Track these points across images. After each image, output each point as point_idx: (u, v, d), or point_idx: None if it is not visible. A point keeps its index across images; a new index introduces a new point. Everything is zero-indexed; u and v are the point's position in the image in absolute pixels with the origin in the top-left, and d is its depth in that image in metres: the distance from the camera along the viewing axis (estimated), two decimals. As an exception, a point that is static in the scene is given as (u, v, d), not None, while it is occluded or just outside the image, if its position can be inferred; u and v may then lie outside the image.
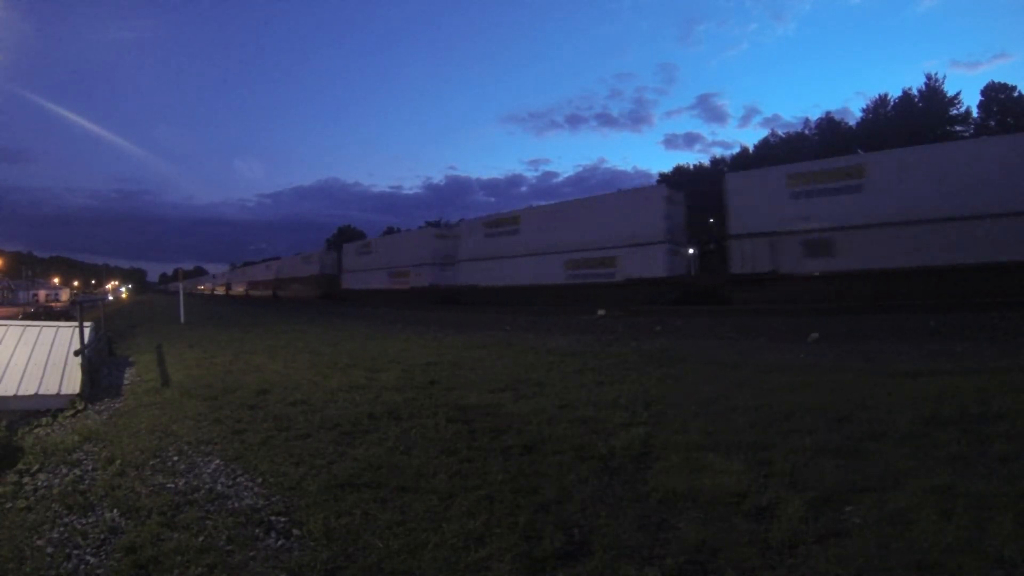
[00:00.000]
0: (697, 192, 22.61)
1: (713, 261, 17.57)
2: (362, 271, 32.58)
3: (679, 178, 46.33)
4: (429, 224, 47.66)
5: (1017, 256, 11.49)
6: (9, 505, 3.33)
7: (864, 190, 13.59)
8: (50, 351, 6.77)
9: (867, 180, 13.60)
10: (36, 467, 3.98)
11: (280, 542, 2.73)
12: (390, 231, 65.89)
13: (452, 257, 25.56)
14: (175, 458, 4.09)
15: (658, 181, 48.82)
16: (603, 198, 20.65)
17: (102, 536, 2.87)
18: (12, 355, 6.45)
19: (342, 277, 35.25)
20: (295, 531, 2.83)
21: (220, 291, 71.32)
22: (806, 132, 47.23)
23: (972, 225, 12.03)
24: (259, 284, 52.15)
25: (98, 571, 2.55)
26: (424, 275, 26.64)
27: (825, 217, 13.97)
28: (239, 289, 62.68)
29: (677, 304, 15.93)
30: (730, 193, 16.11)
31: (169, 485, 3.54)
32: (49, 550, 2.74)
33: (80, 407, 5.78)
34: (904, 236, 12.89)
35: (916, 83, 42.31)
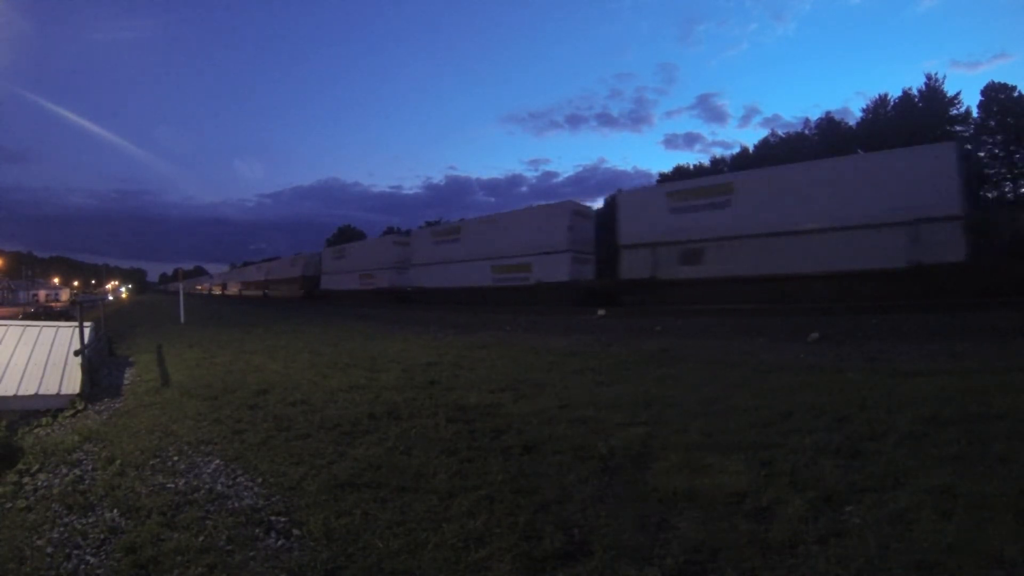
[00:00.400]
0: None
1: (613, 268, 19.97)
2: (338, 273, 35.51)
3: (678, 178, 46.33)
4: (389, 232, 52.43)
5: (848, 266, 13.28)
6: (9, 505, 3.33)
7: (731, 206, 15.45)
8: (50, 351, 6.77)
9: (734, 197, 15.47)
10: (36, 467, 3.98)
11: (280, 542, 2.73)
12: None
13: (407, 262, 28.29)
14: (175, 458, 4.09)
15: (658, 180, 48.94)
16: (522, 212, 23.41)
17: (102, 536, 2.87)
18: (12, 355, 6.45)
19: (321, 279, 37.90)
20: (295, 531, 2.83)
21: (216, 291, 74.79)
22: (806, 132, 47.22)
23: (808, 238, 13.96)
24: (251, 284, 55.46)
25: (98, 571, 2.55)
26: (385, 278, 29.72)
27: (697, 230, 15.91)
28: (233, 289, 65.90)
29: (579, 305, 17.77)
30: (620, 208, 18.37)
31: (169, 485, 3.54)
32: (49, 550, 2.74)
33: (80, 407, 5.78)
34: (761, 247, 14.71)
35: (916, 83, 42.40)
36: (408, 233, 33.20)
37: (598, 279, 20.64)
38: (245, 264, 79.24)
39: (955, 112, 40.45)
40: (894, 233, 12.66)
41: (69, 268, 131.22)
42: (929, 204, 12.28)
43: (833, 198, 13.57)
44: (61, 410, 5.68)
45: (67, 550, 2.74)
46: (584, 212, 21.47)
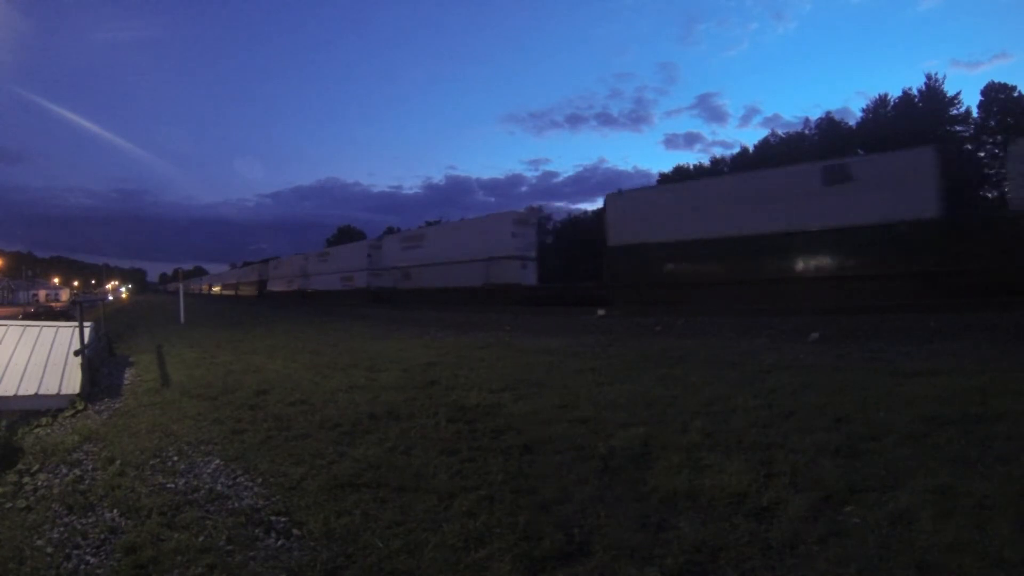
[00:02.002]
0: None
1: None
2: (322, 274, 38.49)
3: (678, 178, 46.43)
4: (388, 232, 57.09)
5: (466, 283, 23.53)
6: (9, 505, 3.33)
7: (423, 247, 27.69)
8: (50, 351, 6.77)
9: (425, 241, 28.08)
10: (36, 467, 3.98)
11: (280, 542, 2.73)
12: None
13: (380, 264, 31.70)
14: (175, 458, 4.09)
15: (659, 180, 49.04)
16: (475, 220, 27.20)
17: (102, 536, 2.87)
18: (12, 355, 6.45)
19: (309, 280, 40.87)
20: (295, 531, 2.83)
21: (215, 290, 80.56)
22: (806, 132, 47.21)
23: (462, 266, 24.12)
24: (248, 284, 60.96)
25: (98, 571, 2.55)
26: (362, 279, 32.89)
27: (409, 260, 28.18)
28: (228, 290, 71.72)
29: (523, 304, 19.98)
30: (385, 246, 31.88)
31: (169, 485, 3.54)
32: (49, 550, 2.74)
33: (80, 407, 5.79)
34: (438, 270, 25.75)
35: (916, 83, 42.33)
36: (379, 239, 36.83)
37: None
38: (245, 264, 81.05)
39: (955, 112, 40.45)
40: (474, 267, 23.48)
41: (69, 268, 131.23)
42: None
43: (469, 242, 24.12)
44: (61, 410, 5.68)
45: (67, 550, 2.74)
46: (526, 219, 24.10)
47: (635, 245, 16.93)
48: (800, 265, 14.23)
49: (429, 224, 46.00)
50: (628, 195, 19.74)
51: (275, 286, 48.66)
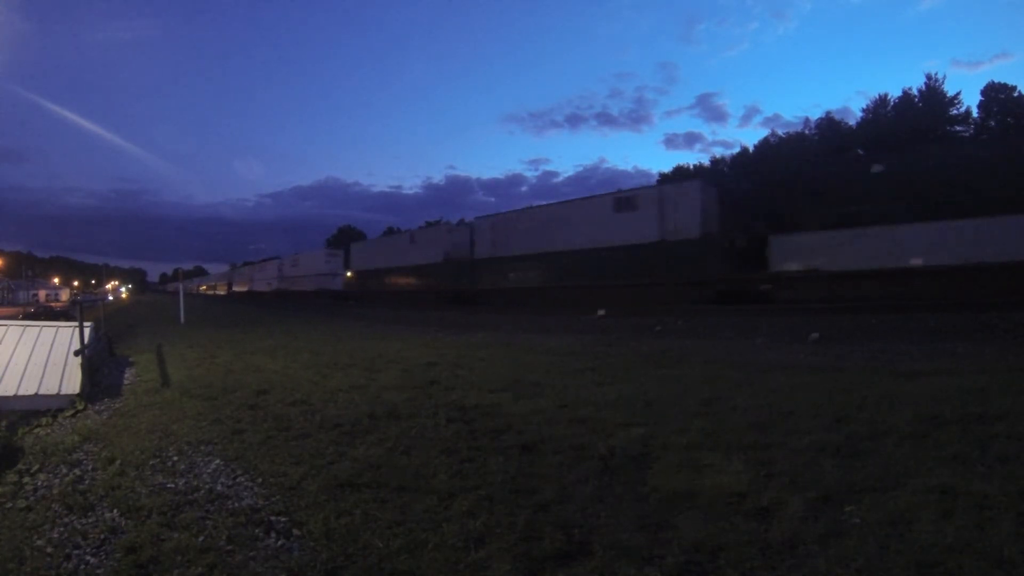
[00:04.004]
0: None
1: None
2: (294, 277, 45.05)
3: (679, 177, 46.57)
4: (388, 233, 64.80)
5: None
6: (9, 505, 3.32)
7: (298, 265, 43.10)
8: (50, 351, 6.77)
9: (300, 259, 43.69)
10: (36, 467, 3.98)
11: (280, 542, 2.73)
12: (390, 231, 67.23)
13: (339, 269, 38.27)
14: (175, 458, 4.09)
15: (658, 181, 49.13)
16: (419, 231, 32.32)
17: (102, 536, 2.87)
18: (12, 355, 6.45)
19: (285, 282, 47.46)
20: (295, 531, 2.83)
21: (214, 291, 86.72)
22: (806, 132, 47.17)
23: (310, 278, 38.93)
24: (240, 284, 68.26)
25: (98, 571, 2.55)
26: (320, 282, 39.07)
27: (383, 262, 31.14)
28: (222, 290, 79.10)
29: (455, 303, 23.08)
30: (352, 252, 36.36)
31: (169, 485, 3.54)
32: (49, 550, 2.74)
33: (80, 407, 5.78)
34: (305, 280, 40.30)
35: (916, 83, 42.28)
36: (337, 249, 44.78)
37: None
38: (245, 264, 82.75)
39: (955, 112, 40.41)
40: (316, 279, 38.86)
41: (69, 268, 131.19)
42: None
43: (311, 264, 39.64)
44: (61, 410, 5.68)
45: (67, 550, 2.74)
46: (334, 253, 41.12)
47: (492, 258, 21.92)
48: (598, 275, 17.80)
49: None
50: (487, 218, 24.39)
51: (258, 287, 56.68)
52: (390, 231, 67.89)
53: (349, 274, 35.83)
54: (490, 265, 21.92)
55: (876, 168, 15.51)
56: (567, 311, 15.02)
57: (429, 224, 50.09)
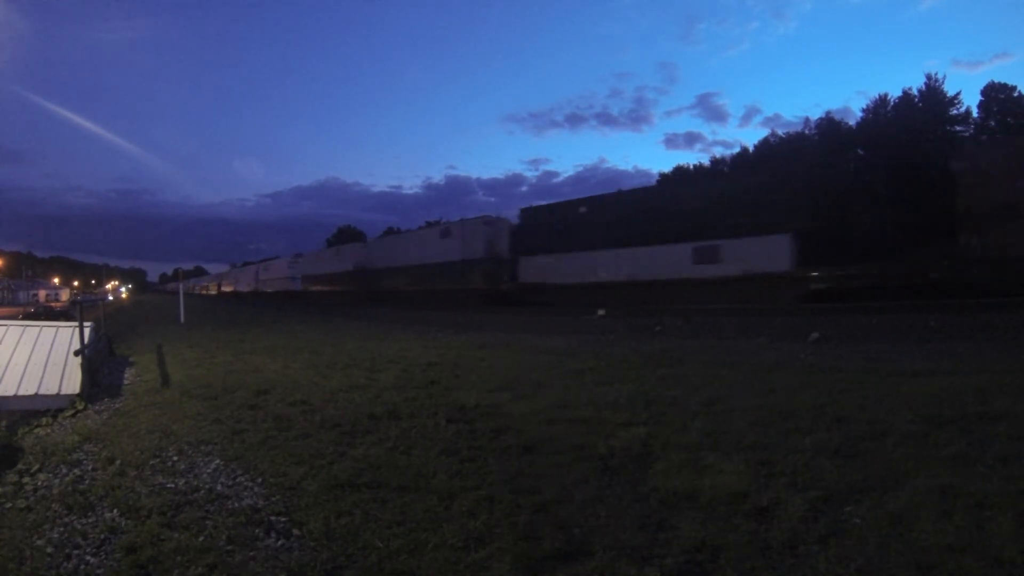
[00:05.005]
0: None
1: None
2: (266, 280, 52.76)
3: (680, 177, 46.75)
4: (388, 233, 69.13)
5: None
6: (9, 505, 3.33)
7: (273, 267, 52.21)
8: (50, 351, 6.77)
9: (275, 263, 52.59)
10: (36, 467, 3.98)
11: (280, 542, 2.73)
12: (390, 231, 67.82)
13: (298, 274, 44.50)
14: (175, 458, 4.09)
15: (658, 181, 49.36)
16: (331, 248, 44.03)
17: (102, 536, 2.87)
18: (12, 355, 6.45)
19: (260, 284, 55.32)
20: (295, 531, 2.83)
21: (207, 290, 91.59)
22: (806, 132, 47.16)
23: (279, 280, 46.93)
24: (227, 285, 75.71)
25: (98, 571, 2.55)
26: (283, 284, 46.29)
27: (317, 269, 40.31)
28: (213, 290, 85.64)
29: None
30: (302, 261, 45.17)
31: (169, 485, 3.54)
32: (49, 550, 2.74)
33: (80, 407, 5.78)
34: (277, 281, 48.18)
35: (917, 83, 42.19)
36: (301, 254, 50.35)
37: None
38: (245, 263, 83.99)
39: (955, 112, 40.40)
40: (279, 282, 47.64)
41: (69, 268, 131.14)
42: None
43: (280, 269, 48.22)
44: (61, 410, 5.68)
45: (67, 550, 2.74)
46: (294, 261, 46.20)
47: (381, 268, 30.39)
48: (432, 283, 25.19)
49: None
50: (379, 238, 38.53)
51: (241, 287, 64.76)
52: (389, 231, 68.67)
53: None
54: (379, 273, 31.10)
55: (582, 209, 20.27)
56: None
57: (342, 242, 60.66)
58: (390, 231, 68.50)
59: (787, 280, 14.30)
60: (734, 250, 15.04)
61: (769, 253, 14.37)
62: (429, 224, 36.95)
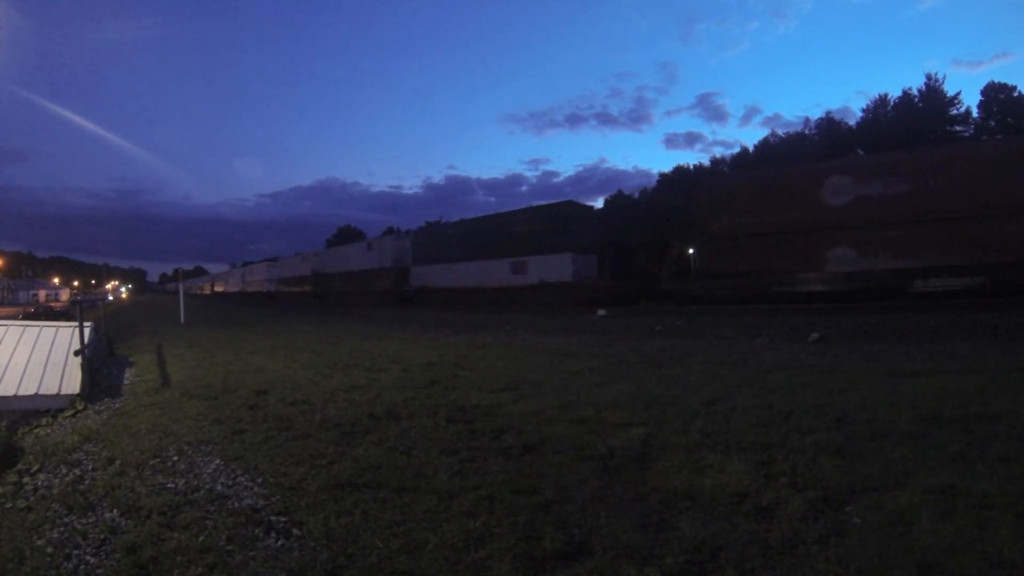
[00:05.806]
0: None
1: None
2: (250, 281, 59.26)
3: (678, 177, 46.71)
4: (388, 233, 73.42)
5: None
6: (9, 505, 3.33)
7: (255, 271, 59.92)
8: (50, 351, 6.77)
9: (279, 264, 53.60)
10: (36, 467, 3.98)
11: (280, 542, 2.73)
12: (390, 231, 68.38)
13: (274, 277, 50.29)
14: (175, 458, 4.09)
15: (658, 180, 49.29)
16: (295, 256, 47.06)
17: (102, 536, 2.87)
18: (12, 355, 6.45)
19: (245, 284, 61.68)
20: (295, 531, 2.83)
21: (201, 290, 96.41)
22: (806, 132, 47.18)
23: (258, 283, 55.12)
24: (219, 286, 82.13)
25: (98, 571, 2.55)
26: (263, 285, 52.21)
27: (290, 272, 46.54)
28: (207, 290, 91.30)
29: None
30: (278, 265, 52.55)
31: (169, 485, 3.54)
32: (49, 550, 2.74)
33: (80, 407, 5.78)
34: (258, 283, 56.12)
35: (917, 83, 42.30)
36: (279, 258, 56.65)
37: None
38: (245, 263, 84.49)
39: (955, 112, 40.42)
40: (262, 284, 54.72)
41: (69, 268, 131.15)
42: None
43: (263, 272, 55.32)
44: (61, 410, 5.68)
45: (67, 550, 2.74)
46: (273, 263, 53.77)
47: (330, 273, 36.27)
48: (361, 285, 31.25)
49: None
50: (328, 250, 46.35)
51: (230, 288, 70.93)
52: (389, 231, 69.23)
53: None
54: (329, 277, 36.70)
55: (449, 232, 26.90)
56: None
57: (342, 242, 65.99)
58: (389, 231, 69.06)
59: (568, 287, 19.37)
60: (536, 264, 20.76)
61: (558, 267, 19.86)
62: (375, 237, 44.69)
